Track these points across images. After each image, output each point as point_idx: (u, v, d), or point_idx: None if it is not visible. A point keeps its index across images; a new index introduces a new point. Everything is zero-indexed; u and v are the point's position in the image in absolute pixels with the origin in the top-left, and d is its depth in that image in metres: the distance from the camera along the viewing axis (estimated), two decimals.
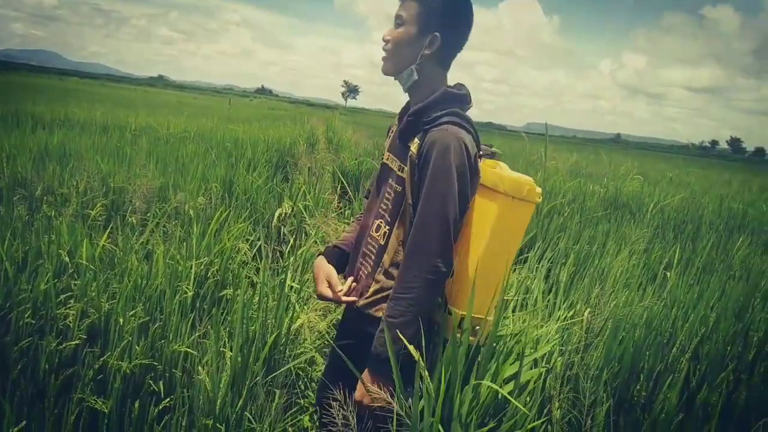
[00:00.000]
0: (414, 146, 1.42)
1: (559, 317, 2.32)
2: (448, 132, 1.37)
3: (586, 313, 2.39)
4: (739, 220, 6.06)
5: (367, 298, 1.49)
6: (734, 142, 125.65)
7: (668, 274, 3.24)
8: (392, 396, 1.37)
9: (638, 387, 1.87)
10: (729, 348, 2.09)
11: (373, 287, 1.48)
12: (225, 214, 3.18)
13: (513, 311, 2.55)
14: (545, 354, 1.92)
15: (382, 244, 1.49)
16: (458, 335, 1.41)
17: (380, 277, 1.48)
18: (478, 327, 1.44)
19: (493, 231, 1.41)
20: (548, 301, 2.59)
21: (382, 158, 1.60)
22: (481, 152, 1.49)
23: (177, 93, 54.90)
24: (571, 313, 2.46)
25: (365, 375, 1.41)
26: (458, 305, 1.43)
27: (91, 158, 4.48)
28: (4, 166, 3.84)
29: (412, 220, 1.40)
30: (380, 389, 1.37)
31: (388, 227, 1.48)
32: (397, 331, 1.34)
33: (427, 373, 1.35)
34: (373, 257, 1.52)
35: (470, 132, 1.42)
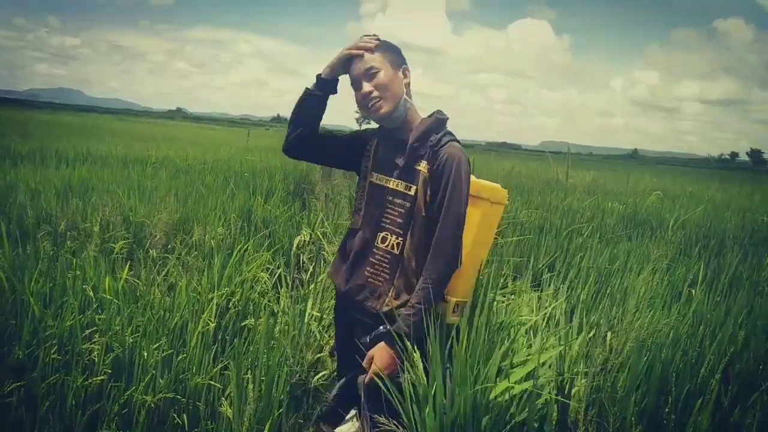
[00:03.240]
0: (423, 167, 1.66)
1: (581, 338, 2.29)
2: (456, 148, 1.65)
3: (608, 334, 2.35)
4: (764, 233, 5.93)
5: (386, 303, 1.69)
6: (755, 154, 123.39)
7: (693, 291, 3.18)
8: (408, 366, 1.58)
9: (667, 410, 1.82)
10: (761, 367, 2.03)
11: (393, 292, 1.69)
12: (245, 246, 3.20)
13: (534, 333, 2.53)
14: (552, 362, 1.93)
15: (396, 253, 1.70)
16: (453, 318, 1.71)
17: (399, 282, 1.69)
18: (465, 308, 1.71)
19: (479, 231, 1.74)
20: (570, 323, 2.55)
21: (367, 177, 1.78)
22: None
23: (195, 125, 55.93)
24: (592, 333, 2.42)
25: (383, 348, 1.62)
26: (453, 293, 1.70)
27: (112, 192, 4.58)
28: (28, 205, 3.92)
29: (424, 229, 1.65)
30: (396, 361, 1.60)
31: (400, 239, 1.69)
32: (423, 313, 1.57)
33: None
34: (386, 266, 1.71)
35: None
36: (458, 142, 1.70)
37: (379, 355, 1.62)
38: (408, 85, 1.72)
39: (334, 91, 1.80)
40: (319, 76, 1.76)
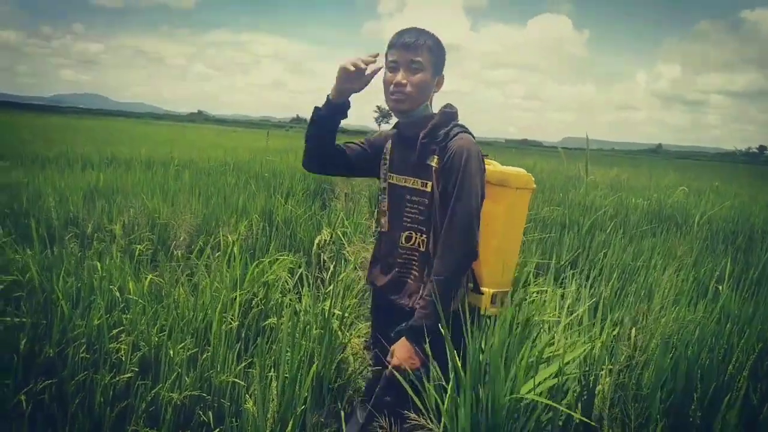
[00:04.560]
0: (434, 162, 1.66)
1: (605, 335, 2.26)
2: (465, 140, 1.64)
3: (633, 331, 2.32)
4: None
5: (417, 301, 1.68)
6: None
7: (720, 288, 3.12)
8: (427, 360, 1.58)
9: (693, 407, 1.79)
10: None
11: (423, 290, 1.67)
12: (267, 249, 3.23)
13: (558, 328, 2.51)
14: (577, 360, 1.90)
15: (423, 251, 1.70)
16: (491, 310, 1.69)
17: (428, 279, 1.67)
18: (506, 299, 1.73)
19: (507, 219, 1.73)
20: (594, 319, 2.52)
21: (387, 179, 1.79)
22: None
23: (216, 127, 56.54)
24: (616, 330, 2.39)
25: (403, 343, 1.62)
26: (488, 284, 1.70)
27: (137, 195, 4.66)
28: (55, 208, 4.01)
29: (440, 224, 1.64)
30: (416, 355, 1.60)
31: (424, 236, 1.69)
32: (438, 306, 1.54)
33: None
34: (415, 263, 1.72)
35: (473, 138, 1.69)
36: (469, 133, 1.68)
37: (398, 349, 1.63)
38: (435, 92, 1.73)
39: (344, 116, 1.77)
40: (328, 97, 1.74)
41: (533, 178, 1.76)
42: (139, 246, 3.42)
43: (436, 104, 1.78)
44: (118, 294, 2.42)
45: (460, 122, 1.72)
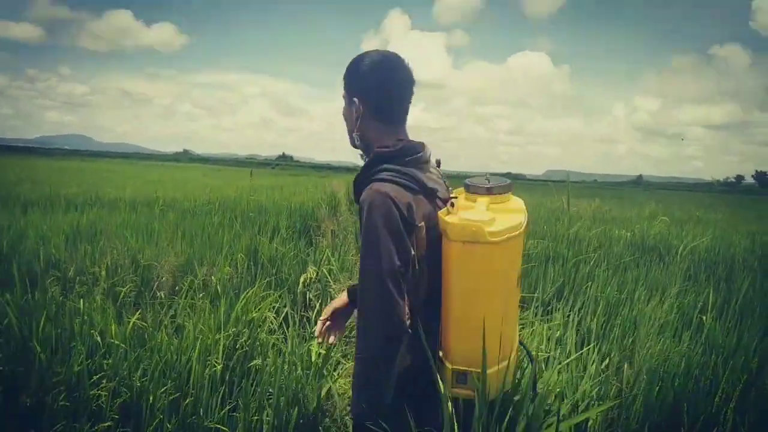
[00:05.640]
0: None
1: (594, 370, 2.26)
2: (371, 190, 1.35)
3: (625, 366, 2.32)
4: None
5: None
6: (760, 176, 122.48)
7: (704, 318, 3.14)
8: None
9: None
10: None
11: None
12: (252, 289, 3.21)
13: (546, 363, 2.50)
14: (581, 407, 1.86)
15: None
16: (457, 390, 1.35)
17: None
18: (482, 381, 1.31)
19: (457, 277, 1.32)
20: (581, 353, 2.52)
21: None
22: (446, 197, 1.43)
23: (201, 166, 56.61)
24: (605, 364, 2.39)
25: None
26: (452, 359, 1.35)
27: (120, 236, 4.62)
28: (36, 251, 3.96)
29: None
30: None
31: None
32: (362, 392, 1.34)
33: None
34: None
35: (400, 183, 1.37)
36: (388, 179, 1.37)
37: None
38: (362, 119, 1.48)
39: None
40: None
41: (493, 229, 1.26)
42: (122, 288, 3.38)
43: (429, 143, 1.56)
44: (99, 339, 2.38)
45: (411, 163, 1.42)
